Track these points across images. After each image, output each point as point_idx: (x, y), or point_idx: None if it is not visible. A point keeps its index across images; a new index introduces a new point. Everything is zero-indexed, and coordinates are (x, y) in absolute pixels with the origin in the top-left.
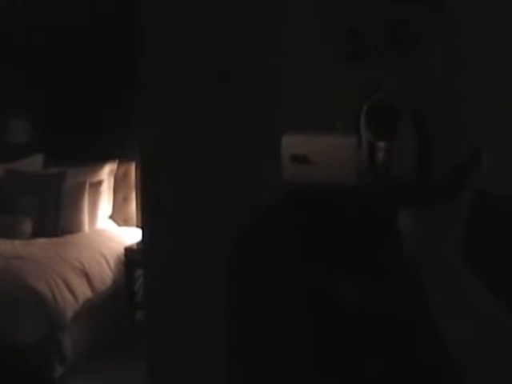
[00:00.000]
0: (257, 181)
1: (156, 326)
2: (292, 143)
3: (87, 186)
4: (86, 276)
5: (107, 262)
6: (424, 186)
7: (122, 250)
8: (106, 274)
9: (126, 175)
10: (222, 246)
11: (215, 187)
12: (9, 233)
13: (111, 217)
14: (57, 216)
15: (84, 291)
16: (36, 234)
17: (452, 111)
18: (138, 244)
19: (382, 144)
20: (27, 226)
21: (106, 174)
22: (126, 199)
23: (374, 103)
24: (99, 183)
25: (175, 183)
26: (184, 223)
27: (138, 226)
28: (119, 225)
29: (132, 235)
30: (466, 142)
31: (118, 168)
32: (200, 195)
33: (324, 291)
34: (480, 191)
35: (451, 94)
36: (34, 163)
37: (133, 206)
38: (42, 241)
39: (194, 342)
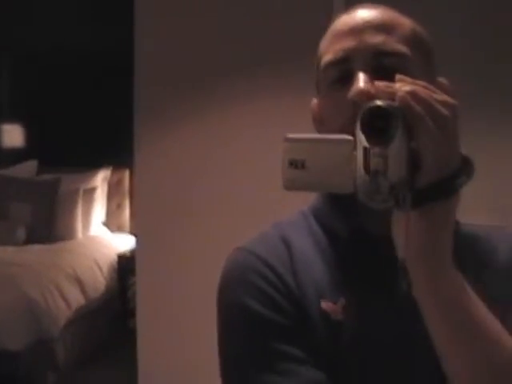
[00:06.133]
0: (251, 188)
1: (148, 333)
2: (291, 148)
3: (81, 192)
4: (79, 283)
5: (100, 268)
6: (415, 190)
7: (115, 257)
8: (98, 281)
9: (119, 182)
10: (215, 253)
11: (208, 195)
12: (2, 239)
13: (105, 223)
14: (50, 223)
15: (77, 298)
16: (29, 240)
17: (442, 120)
18: (131, 251)
19: (376, 150)
20: (21, 233)
21: (100, 180)
22: (119, 206)
23: (370, 110)
24: (93, 190)
25: (169, 191)
26: (177, 231)
27: (131, 233)
28: (113, 231)
29: (125, 242)
30: (456, 147)
31: (111, 175)
32: (193, 204)
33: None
34: None
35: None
36: (28, 169)
37: (126, 213)
38: (35, 247)
39: (186, 349)
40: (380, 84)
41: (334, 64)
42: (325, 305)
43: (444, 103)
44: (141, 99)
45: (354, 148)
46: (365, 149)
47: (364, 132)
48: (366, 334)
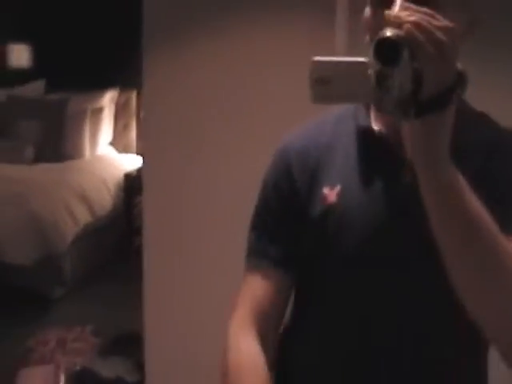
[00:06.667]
0: (259, 112)
1: (153, 251)
2: (318, 67)
3: (89, 112)
4: (87, 201)
5: (107, 187)
6: (417, 103)
7: (122, 176)
8: (105, 199)
9: (127, 103)
10: (220, 171)
11: (216, 117)
12: (11, 157)
13: (111, 143)
14: (58, 142)
15: (84, 216)
16: (38, 159)
17: (440, 46)
18: (137, 170)
19: (386, 70)
20: (29, 152)
21: (108, 101)
22: (126, 127)
23: (382, 38)
24: (100, 110)
25: (176, 112)
26: (184, 152)
27: (137, 154)
28: (119, 151)
29: (131, 162)
30: (452, 67)
31: (119, 95)
32: (199, 124)
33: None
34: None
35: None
36: (36, 89)
37: (133, 134)
38: (43, 166)
39: (190, 267)
40: (391, 14)
41: None
42: (325, 190)
43: (443, 29)
44: (150, 20)
45: (370, 68)
46: (377, 69)
47: (376, 56)
48: (353, 217)
